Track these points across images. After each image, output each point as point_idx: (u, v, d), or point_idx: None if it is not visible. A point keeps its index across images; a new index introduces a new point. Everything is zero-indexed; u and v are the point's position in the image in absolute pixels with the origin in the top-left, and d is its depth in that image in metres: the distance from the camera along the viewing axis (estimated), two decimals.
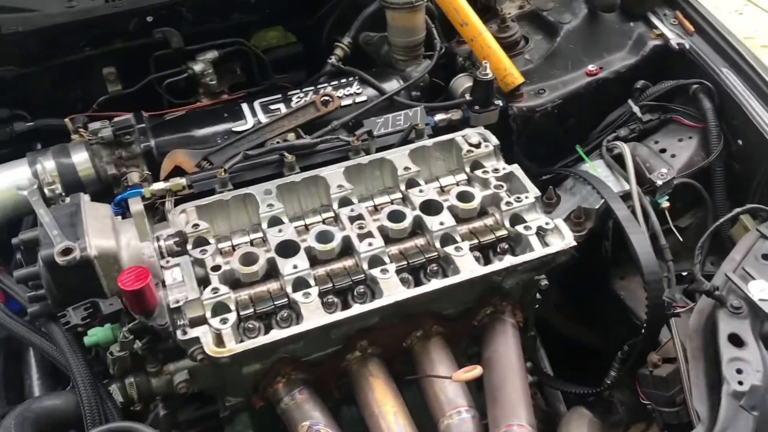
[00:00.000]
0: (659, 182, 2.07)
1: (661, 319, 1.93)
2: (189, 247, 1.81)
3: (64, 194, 1.98)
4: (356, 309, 1.69)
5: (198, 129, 2.18)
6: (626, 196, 2.11)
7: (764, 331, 1.69)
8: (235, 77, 2.64)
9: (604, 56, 2.36)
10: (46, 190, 1.88)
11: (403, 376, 1.86)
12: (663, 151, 2.24)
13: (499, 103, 2.24)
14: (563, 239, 1.83)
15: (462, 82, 2.35)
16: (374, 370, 1.80)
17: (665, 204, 2.09)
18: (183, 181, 2.01)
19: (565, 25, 2.40)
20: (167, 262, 1.75)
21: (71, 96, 2.49)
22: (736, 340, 1.64)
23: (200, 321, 1.66)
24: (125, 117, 2.09)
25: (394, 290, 1.71)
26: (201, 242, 1.83)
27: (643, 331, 1.96)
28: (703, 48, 2.28)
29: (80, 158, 2.07)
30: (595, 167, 2.21)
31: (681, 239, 2.09)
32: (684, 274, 2.18)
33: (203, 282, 1.74)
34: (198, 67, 2.48)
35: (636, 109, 2.30)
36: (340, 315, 1.68)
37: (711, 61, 2.23)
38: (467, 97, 2.27)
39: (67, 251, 1.57)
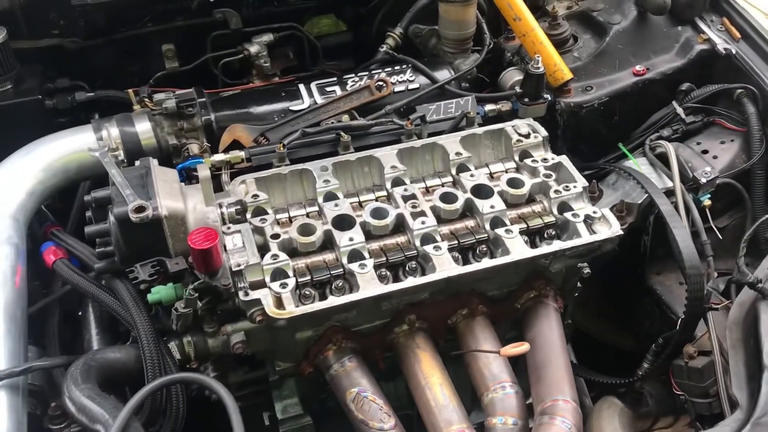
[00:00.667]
0: (703, 180, 2.12)
1: (700, 312, 1.99)
2: (248, 215, 1.89)
3: (125, 161, 2.07)
4: (409, 282, 1.76)
5: (256, 106, 2.25)
6: (668, 193, 2.16)
7: None
8: (288, 61, 2.72)
9: (651, 58, 2.42)
10: (109, 156, 1.96)
11: (447, 353, 1.92)
12: (705, 152, 2.30)
13: (548, 96, 2.30)
14: (610, 227, 1.89)
15: (512, 75, 2.42)
16: (421, 343, 1.87)
17: (707, 202, 2.15)
18: (242, 153, 2.08)
19: (615, 26, 2.46)
20: (228, 228, 1.82)
21: (130, 70, 2.58)
22: None
23: (260, 285, 1.73)
24: (188, 90, 2.16)
25: (445, 266, 1.78)
26: (260, 212, 1.91)
27: (680, 323, 2.01)
28: (748, 54, 2.33)
29: (143, 127, 2.14)
30: (639, 164, 2.27)
31: (720, 237, 2.14)
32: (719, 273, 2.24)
33: (262, 249, 1.81)
34: (254, 49, 2.55)
35: (680, 110, 2.35)
36: (393, 286, 1.74)
37: (756, 67, 2.29)
38: (517, 89, 2.33)
39: (140, 209, 1.64)
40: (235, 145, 2.16)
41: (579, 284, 2.09)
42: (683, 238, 1.99)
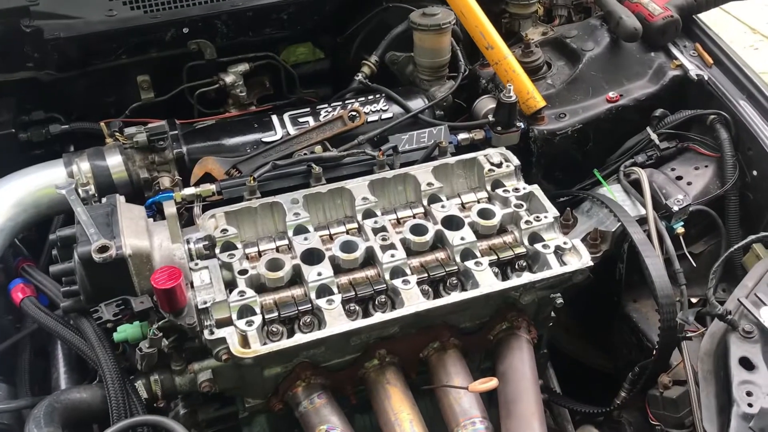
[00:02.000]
0: (675, 208, 2.12)
1: (673, 342, 1.98)
2: (217, 251, 1.88)
3: (96, 195, 2.06)
4: (377, 317, 1.74)
5: (228, 138, 2.26)
6: (642, 221, 2.16)
7: None
8: (264, 90, 2.72)
9: (625, 84, 2.42)
10: (80, 191, 1.95)
11: (418, 386, 1.91)
12: (679, 178, 2.30)
13: (521, 125, 2.30)
14: (580, 259, 1.88)
15: (485, 104, 2.42)
16: (391, 378, 1.85)
17: (680, 229, 2.14)
18: (213, 187, 2.08)
19: (588, 53, 2.47)
20: (196, 264, 1.81)
21: (105, 101, 2.57)
22: (746, 364, 1.68)
23: (226, 322, 1.71)
24: (159, 123, 2.16)
25: (414, 301, 1.76)
26: (229, 247, 1.90)
27: (654, 352, 2.00)
28: (721, 80, 2.34)
29: (114, 161, 2.14)
30: (613, 191, 2.27)
31: (694, 264, 2.14)
32: (695, 300, 2.23)
33: (230, 285, 1.80)
34: (229, 79, 2.56)
35: (654, 136, 2.35)
36: (361, 322, 1.73)
37: (729, 93, 2.29)
38: (490, 118, 2.33)
39: (103, 249, 1.63)
40: (207, 178, 2.16)
41: (553, 314, 2.08)
42: (655, 267, 1.98)
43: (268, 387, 1.82)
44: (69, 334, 1.81)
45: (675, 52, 2.45)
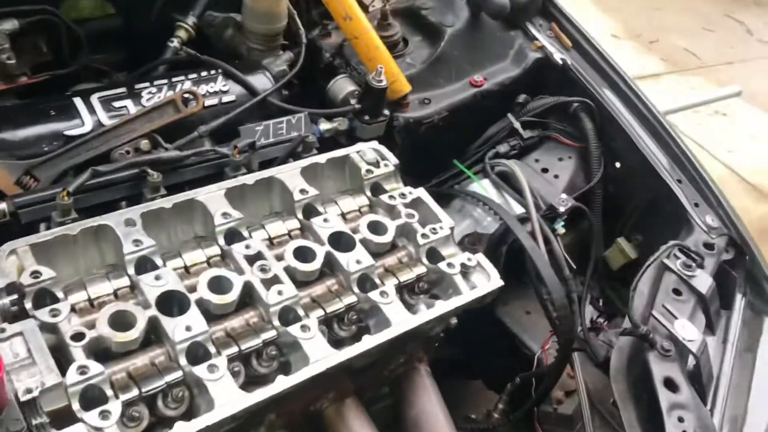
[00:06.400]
0: (561, 208, 1.97)
1: (569, 355, 1.85)
2: (28, 305, 1.31)
3: None
4: (281, 383, 1.34)
5: (13, 130, 1.61)
6: (522, 221, 1.98)
7: (687, 370, 1.67)
8: (39, 55, 2.04)
9: (487, 66, 2.20)
10: None
11: None
12: (545, 170, 2.16)
13: (387, 113, 1.98)
14: (489, 278, 1.64)
15: (342, 86, 2.03)
16: None
17: (561, 230, 2.00)
18: (3, 206, 1.47)
19: (449, 29, 2.19)
20: (2, 331, 1.24)
21: None
22: (671, 385, 1.59)
23: (65, 414, 1.20)
24: None
25: (322, 353, 1.39)
26: (45, 297, 1.34)
27: (549, 367, 1.86)
28: (582, 65, 2.22)
29: None
30: (485, 187, 2.06)
31: (574, 267, 2.02)
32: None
33: (55, 352, 1.27)
34: None
35: (518, 124, 2.18)
36: (262, 393, 1.31)
37: (591, 79, 2.19)
38: (352, 103, 1.97)
39: None
40: None
41: (441, 334, 1.83)
42: (549, 276, 1.82)
43: None
44: None
45: (533, 31, 2.27)
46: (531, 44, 2.26)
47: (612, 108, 2.14)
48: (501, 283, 1.63)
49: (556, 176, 2.15)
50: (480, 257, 1.66)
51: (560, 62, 2.20)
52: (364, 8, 2.26)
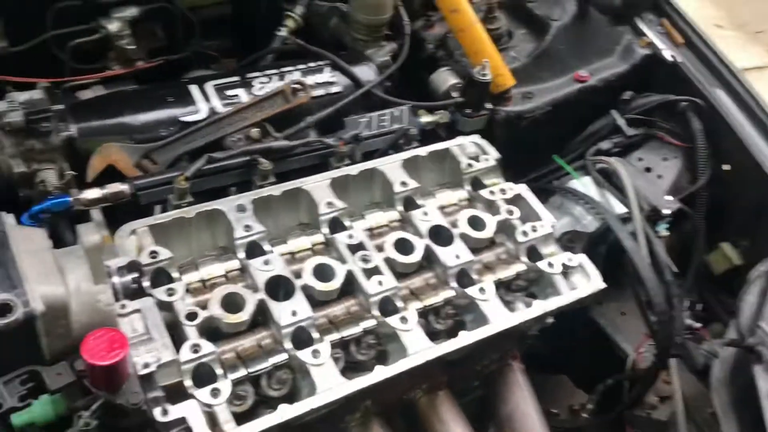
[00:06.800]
0: (666, 211, 1.92)
1: (667, 360, 1.81)
2: (146, 283, 1.39)
3: None
4: (380, 373, 1.37)
5: (134, 113, 1.70)
6: (623, 221, 1.94)
7: None
8: (155, 41, 2.13)
9: (593, 61, 2.15)
10: None
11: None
12: (648, 170, 2.10)
13: (490, 107, 1.97)
14: (589, 280, 1.62)
15: (445, 78, 2.04)
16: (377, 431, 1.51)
17: (665, 233, 1.95)
18: (125, 187, 1.55)
19: (555, 23, 2.16)
20: (123, 307, 1.32)
21: None
22: None
23: (178, 390, 1.27)
24: (39, 97, 1.56)
25: (420, 345, 1.41)
26: (162, 276, 1.41)
27: (645, 371, 1.83)
28: (693, 63, 2.14)
29: None
30: (585, 184, 2.02)
31: (676, 270, 1.96)
32: None
33: (170, 329, 1.33)
34: (113, 27, 1.96)
35: (622, 122, 2.13)
36: (362, 381, 1.35)
37: (703, 78, 2.11)
38: (453, 95, 1.97)
39: (4, 309, 1.10)
40: (110, 171, 1.61)
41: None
42: (650, 280, 1.78)
43: None
44: None
45: (642, 27, 2.21)
46: (639, 40, 2.19)
47: (722, 108, 2.06)
48: (602, 285, 1.61)
49: (659, 176, 2.08)
50: (582, 258, 1.64)
51: (670, 59, 2.13)
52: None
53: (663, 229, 1.95)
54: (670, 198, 1.95)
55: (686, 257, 2.15)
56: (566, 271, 1.63)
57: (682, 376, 1.90)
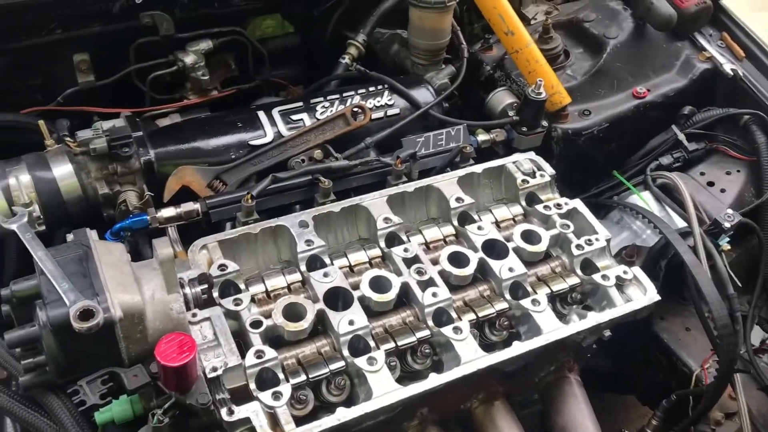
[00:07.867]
0: (726, 224, 1.90)
1: (731, 375, 1.79)
2: (215, 293, 1.49)
3: (43, 218, 1.62)
4: (434, 380, 1.42)
5: (206, 139, 1.83)
6: (683, 235, 1.93)
7: None
8: (228, 71, 2.28)
9: (651, 77, 2.17)
10: (19, 210, 1.51)
11: None
12: (711, 184, 2.09)
13: (546, 124, 2.01)
14: (645, 292, 1.63)
15: (502, 98, 2.09)
16: None
17: (726, 246, 1.93)
18: (197, 206, 1.67)
19: (612, 40, 2.19)
20: (194, 315, 1.42)
21: (30, 85, 2.06)
22: None
23: (242, 392, 1.36)
24: (121, 125, 1.71)
25: (473, 354, 1.46)
26: (230, 288, 1.52)
27: (708, 387, 1.81)
28: (754, 75, 2.13)
29: (63, 171, 1.69)
30: (645, 199, 2.03)
31: (739, 285, 1.94)
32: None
33: (236, 337, 1.43)
34: (189, 59, 2.11)
35: (682, 136, 2.13)
36: (416, 387, 1.41)
37: (766, 91, 2.09)
38: (510, 115, 2.03)
39: (87, 314, 1.22)
40: (185, 192, 1.74)
41: (594, 345, 1.84)
42: (711, 294, 1.77)
43: None
44: (32, 416, 1.38)
45: (702, 42, 2.21)
46: (699, 54, 2.19)
47: None
48: (657, 297, 1.62)
49: (722, 190, 2.07)
50: (636, 270, 1.66)
51: (731, 73, 2.12)
52: (526, 21, 2.31)
53: (725, 243, 1.93)
54: (731, 211, 1.93)
55: (755, 272, 2.12)
56: (621, 283, 1.64)
57: (749, 391, 1.87)
